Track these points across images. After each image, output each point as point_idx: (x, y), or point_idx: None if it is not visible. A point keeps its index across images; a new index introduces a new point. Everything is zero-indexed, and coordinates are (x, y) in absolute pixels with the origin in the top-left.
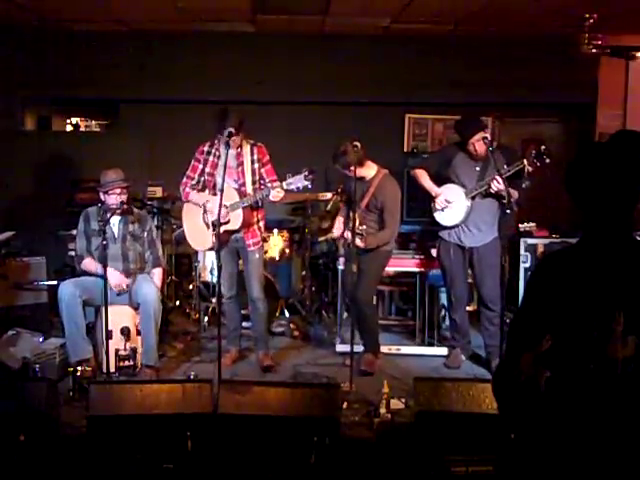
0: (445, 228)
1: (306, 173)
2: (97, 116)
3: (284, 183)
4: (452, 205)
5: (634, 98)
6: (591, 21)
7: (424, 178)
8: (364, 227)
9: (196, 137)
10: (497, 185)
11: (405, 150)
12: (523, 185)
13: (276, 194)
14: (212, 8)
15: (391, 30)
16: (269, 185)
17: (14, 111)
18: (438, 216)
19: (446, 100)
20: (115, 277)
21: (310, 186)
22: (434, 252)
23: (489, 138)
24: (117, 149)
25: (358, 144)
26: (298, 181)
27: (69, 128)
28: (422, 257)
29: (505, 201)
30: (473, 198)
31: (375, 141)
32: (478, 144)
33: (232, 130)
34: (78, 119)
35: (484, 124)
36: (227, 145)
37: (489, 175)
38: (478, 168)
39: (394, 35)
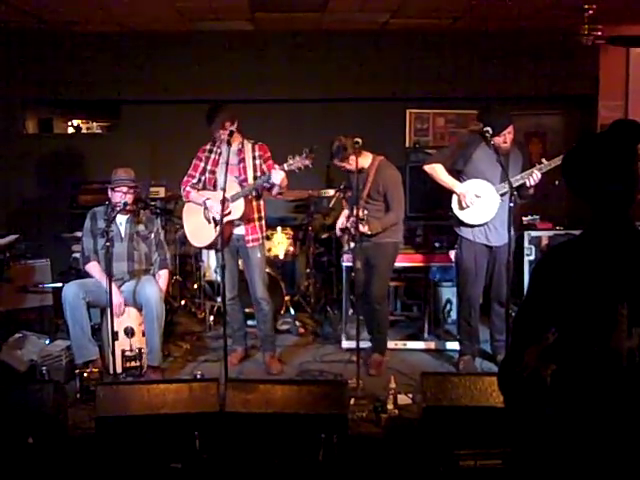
0: (470, 226)
1: (307, 151)
2: (98, 118)
3: (285, 165)
4: (481, 202)
5: (635, 89)
6: (590, 12)
7: (443, 174)
8: (366, 212)
9: (198, 137)
10: (534, 180)
11: (407, 145)
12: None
13: (276, 175)
14: (211, 7)
15: (390, 25)
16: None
17: (15, 114)
18: (463, 215)
19: (446, 94)
20: (115, 297)
21: (311, 165)
22: (452, 253)
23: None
24: (119, 150)
25: (359, 140)
26: (299, 161)
27: (71, 130)
28: (429, 252)
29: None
30: (503, 195)
31: (376, 137)
32: (509, 136)
33: (234, 129)
34: (79, 121)
35: (512, 116)
36: (229, 144)
37: (512, 169)
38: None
39: (393, 30)
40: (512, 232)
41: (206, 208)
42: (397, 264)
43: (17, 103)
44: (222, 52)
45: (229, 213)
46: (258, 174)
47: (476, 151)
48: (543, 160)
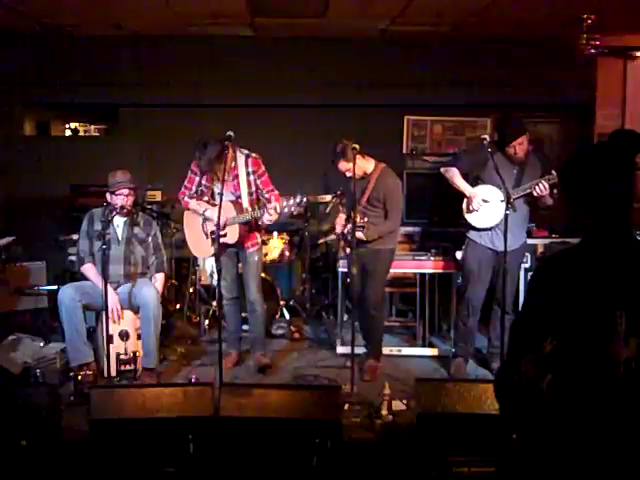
0: (477, 230)
1: (299, 200)
2: (96, 121)
3: (278, 207)
4: (489, 207)
5: (632, 98)
6: (589, 22)
7: (457, 177)
8: (365, 219)
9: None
10: (541, 190)
11: (404, 151)
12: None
13: (269, 217)
14: (211, 12)
15: (390, 32)
16: (265, 198)
17: (13, 116)
18: (471, 218)
19: (445, 101)
20: (111, 298)
21: (302, 211)
22: (459, 254)
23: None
24: (116, 153)
25: (357, 146)
26: (291, 206)
27: (68, 133)
28: (425, 258)
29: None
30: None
31: (374, 143)
32: (520, 147)
33: (229, 139)
34: (77, 124)
35: (526, 127)
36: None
37: (527, 179)
38: (515, 171)
39: (392, 37)
40: (524, 238)
41: (206, 219)
42: (396, 270)
43: (15, 105)
44: (221, 57)
45: (225, 235)
46: (252, 190)
47: (491, 159)
48: (553, 172)
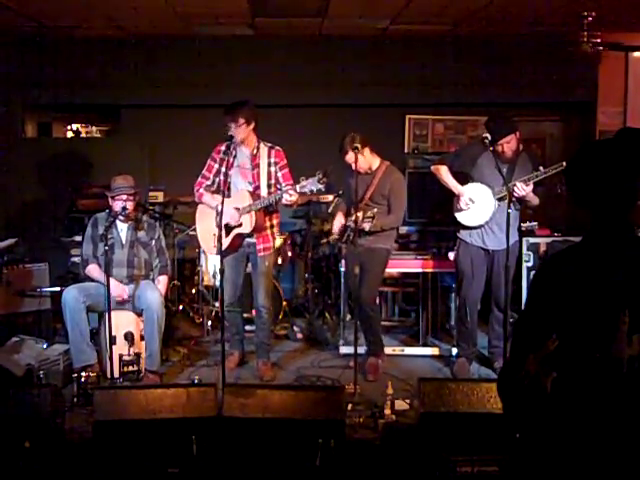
0: (467, 229)
1: (320, 176)
2: (98, 122)
3: (298, 186)
4: (477, 205)
5: (634, 95)
6: (590, 19)
7: (446, 175)
8: (375, 210)
9: (197, 142)
10: (519, 192)
11: (406, 151)
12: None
13: (289, 198)
14: (211, 12)
15: (390, 31)
16: (284, 189)
17: (15, 118)
18: (460, 216)
19: (446, 100)
20: (116, 288)
21: (323, 189)
22: (451, 255)
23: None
24: (118, 155)
25: (358, 145)
26: (311, 184)
27: (70, 134)
28: (427, 257)
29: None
30: (500, 200)
31: (376, 142)
32: (507, 146)
33: (231, 139)
34: (79, 125)
35: (517, 126)
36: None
37: (516, 178)
38: (505, 169)
39: (393, 36)
40: (516, 237)
41: (218, 214)
42: (398, 269)
43: (17, 107)
44: (222, 57)
45: (240, 225)
46: (272, 182)
47: (481, 156)
48: (540, 168)
